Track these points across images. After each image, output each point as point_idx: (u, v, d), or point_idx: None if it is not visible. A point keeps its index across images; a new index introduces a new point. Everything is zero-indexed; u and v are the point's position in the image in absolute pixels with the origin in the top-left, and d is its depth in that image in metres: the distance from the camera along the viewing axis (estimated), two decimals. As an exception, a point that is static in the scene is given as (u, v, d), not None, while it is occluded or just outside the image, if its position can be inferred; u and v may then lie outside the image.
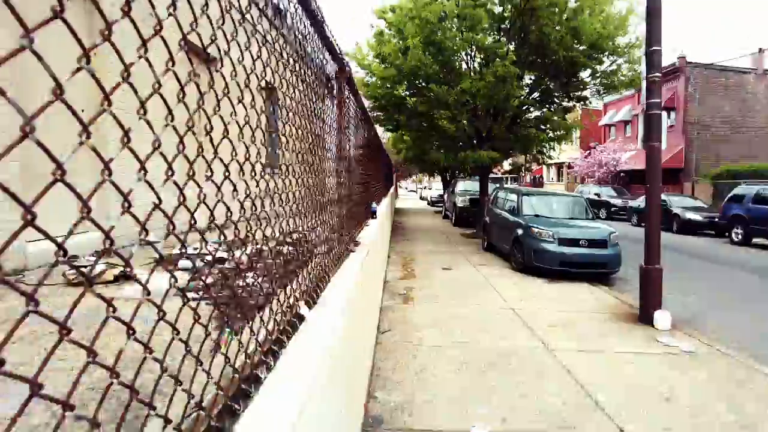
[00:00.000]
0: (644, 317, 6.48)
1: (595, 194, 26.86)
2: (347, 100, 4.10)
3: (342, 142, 3.88)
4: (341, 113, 3.72)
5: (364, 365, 4.00)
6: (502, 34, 14.41)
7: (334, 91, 3.61)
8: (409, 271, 9.92)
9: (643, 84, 6.58)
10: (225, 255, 4.63)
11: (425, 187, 49.17)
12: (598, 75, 14.62)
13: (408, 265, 10.60)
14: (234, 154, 1.39)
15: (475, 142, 15.05)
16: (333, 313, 2.21)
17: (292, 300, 2.13)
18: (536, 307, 7.23)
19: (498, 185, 16.50)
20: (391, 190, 20.31)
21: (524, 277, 9.62)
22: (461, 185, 20.78)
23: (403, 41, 13.82)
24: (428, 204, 36.74)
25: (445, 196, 24.84)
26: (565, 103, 15.96)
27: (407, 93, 15.07)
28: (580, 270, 9.36)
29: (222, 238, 1.37)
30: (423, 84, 14.23)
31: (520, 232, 10.26)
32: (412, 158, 21.68)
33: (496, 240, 12.13)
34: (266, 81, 1.69)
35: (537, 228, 9.82)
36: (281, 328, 1.84)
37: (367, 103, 16.08)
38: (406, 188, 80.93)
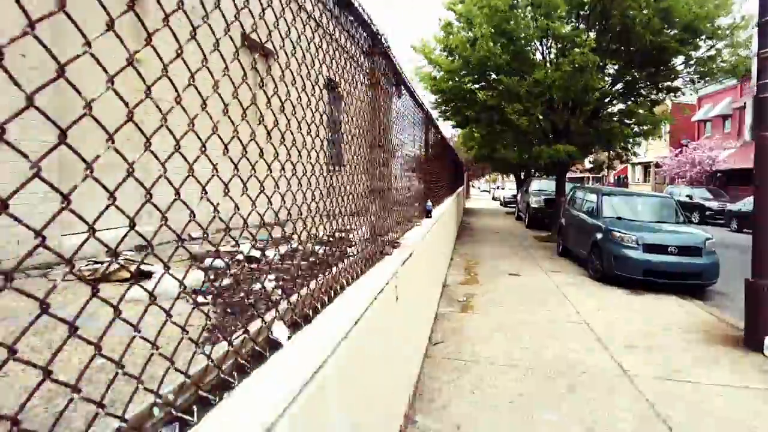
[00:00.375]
0: (751, 341, 5.41)
1: (687, 196, 24.39)
2: (386, 83, 3.60)
3: (380, 130, 3.38)
4: (376, 97, 3.22)
5: (399, 383, 3.48)
6: (580, 20, 13.27)
7: (366, 70, 3.11)
8: (472, 275, 9.24)
9: (754, 63, 5.51)
10: (257, 254, 4.29)
11: (498, 187, 47.55)
12: (692, 62, 13.04)
13: (471, 268, 9.91)
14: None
15: (550, 137, 13.99)
16: (322, 339, 1.71)
17: (269, 318, 1.66)
18: (614, 322, 6.34)
19: (575, 185, 15.22)
20: (460, 189, 19.54)
21: (602, 286, 8.62)
22: (536, 184, 19.58)
23: (471, 32, 13.09)
24: (501, 204, 35.38)
25: (519, 196, 23.63)
26: (653, 96, 14.42)
27: (476, 86, 14.29)
28: (669, 281, 8.21)
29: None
30: (492, 76, 13.40)
31: (599, 236, 9.24)
32: (481, 156, 20.74)
33: (573, 244, 11.10)
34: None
35: (618, 232, 8.78)
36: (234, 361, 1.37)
37: (433, 97, 15.53)
38: (479, 188, 79.09)
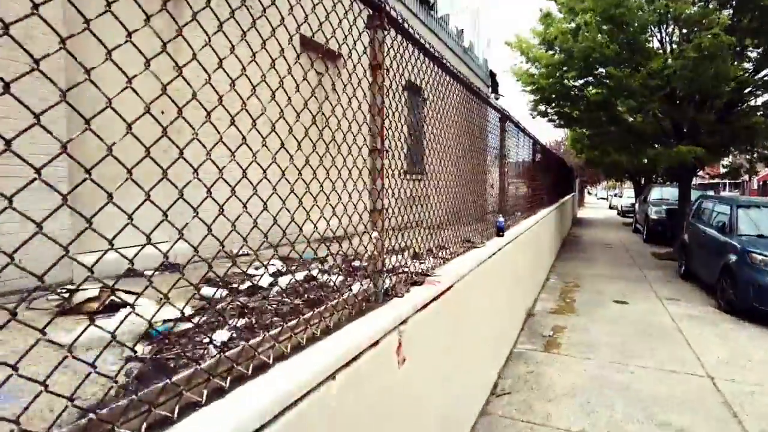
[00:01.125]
0: None
1: None
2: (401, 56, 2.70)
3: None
4: (375, 81, 2.35)
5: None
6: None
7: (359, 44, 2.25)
8: (567, 302, 7.85)
9: None
10: (266, 282, 3.59)
11: (616, 195, 43.34)
12: None
13: (568, 293, 8.48)
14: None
15: (671, 137, 11.88)
16: None
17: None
18: (756, 383, 4.74)
19: (703, 193, 12.77)
20: (567, 198, 17.64)
21: (736, 323, 6.78)
22: (656, 192, 17.05)
23: (574, 21, 11.54)
24: (618, 214, 31.99)
25: (636, 205, 20.91)
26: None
27: (580, 82, 12.63)
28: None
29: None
30: (599, 69, 11.68)
31: (732, 258, 7.36)
32: (590, 160, 18.57)
33: (698, 266, 9.14)
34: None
35: (759, 254, 6.90)
36: None
37: (531, 96, 14.08)
38: (596, 195, 73.40)
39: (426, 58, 3.13)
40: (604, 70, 11.56)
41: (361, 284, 2.45)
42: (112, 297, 3.11)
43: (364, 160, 2.39)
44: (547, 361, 5.18)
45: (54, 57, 0.96)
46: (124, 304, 3.06)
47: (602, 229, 21.03)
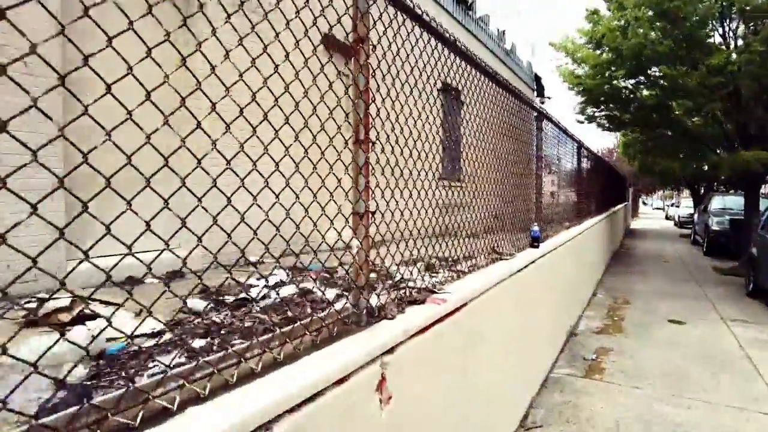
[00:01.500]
0: None
1: None
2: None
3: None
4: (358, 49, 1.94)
5: None
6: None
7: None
8: (615, 320, 7.11)
9: None
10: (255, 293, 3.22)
11: (673, 204, 40.93)
12: None
13: (616, 310, 7.72)
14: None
15: (734, 141, 10.83)
16: None
17: None
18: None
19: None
20: (618, 207, 16.57)
21: (818, 350, 5.89)
22: (717, 201, 15.71)
23: (623, 18, 10.76)
24: (675, 225, 30.08)
25: (695, 216, 19.43)
26: None
27: (630, 83, 11.77)
28: None
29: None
30: (650, 67, 10.82)
31: (810, 274, 6.45)
32: (642, 167, 17.38)
33: (768, 282, 8.16)
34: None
35: None
36: None
37: (578, 99, 13.29)
38: (651, 205, 69.96)
39: (438, 43, 2.69)
40: (656, 69, 10.70)
41: (348, 301, 2.03)
42: (86, 307, 2.82)
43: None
44: (588, 390, 4.56)
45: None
46: (95, 316, 2.76)
47: (657, 241, 19.67)
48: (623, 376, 4.89)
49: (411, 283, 2.62)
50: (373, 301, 2.15)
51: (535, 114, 5.28)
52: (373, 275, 2.47)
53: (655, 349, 5.76)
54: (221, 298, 3.17)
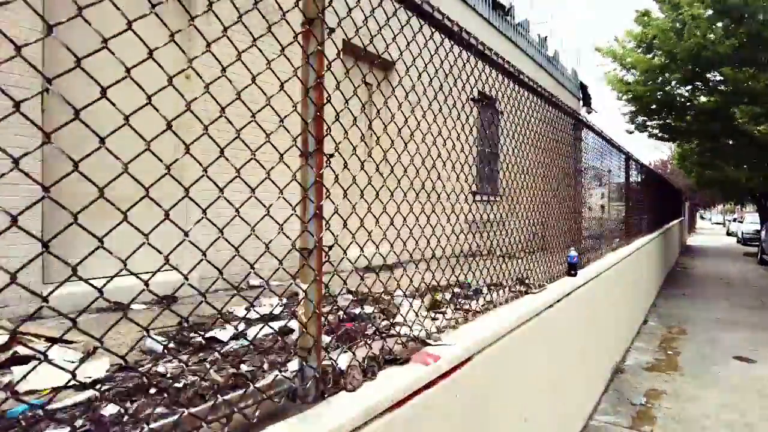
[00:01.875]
0: None
1: None
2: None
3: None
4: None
5: None
6: None
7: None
8: (669, 354, 6.27)
9: None
10: (226, 336, 2.76)
11: (735, 219, 38.24)
12: None
13: (671, 342, 6.85)
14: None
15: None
16: None
17: None
18: None
19: None
20: (673, 224, 15.35)
21: None
22: (789, 217, 14.26)
23: (678, 17, 9.86)
24: (738, 242, 27.92)
25: (763, 233, 17.79)
26: None
27: (687, 88, 10.79)
28: None
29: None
30: (709, 71, 9.84)
31: None
32: (700, 179, 16.04)
33: None
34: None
35: None
36: None
37: (628, 108, 12.38)
38: (710, 220, 66.03)
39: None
40: (717, 73, 9.72)
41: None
42: (21, 345, 2.43)
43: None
44: (636, 446, 3.86)
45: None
46: (27, 359, 2.37)
47: (718, 260, 18.11)
48: (678, 428, 4.14)
49: (401, 329, 2.09)
50: (343, 361, 1.65)
51: (573, 121, 4.64)
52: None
53: (718, 392, 4.94)
54: (186, 336, 2.73)
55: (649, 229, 10.14)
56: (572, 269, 4.12)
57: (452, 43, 2.32)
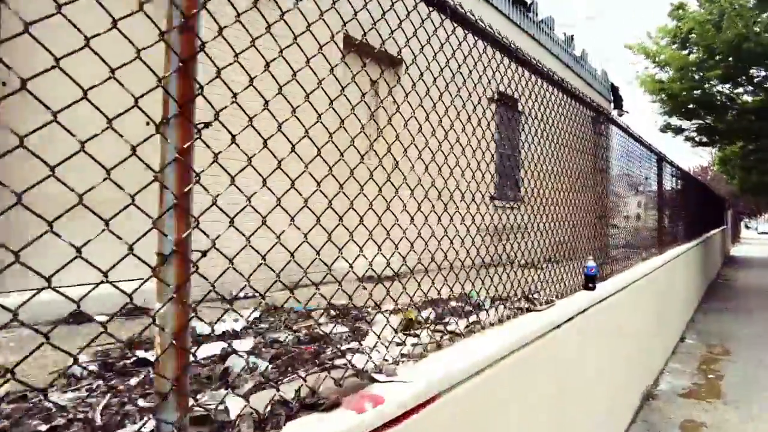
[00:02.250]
0: None
1: None
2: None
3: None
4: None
5: None
6: None
7: None
8: (709, 378, 5.56)
9: None
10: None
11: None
12: None
13: (711, 362, 6.13)
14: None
15: None
16: None
17: None
18: None
19: None
20: (714, 233, 14.35)
21: None
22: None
23: (716, 8, 9.11)
24: (787, 252, 26.22)
25: (814, 242, 16.47)
26: None
27: (727, 86, 9.98)
28: None
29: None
30: (751, 65, 9.03)
31: None
32: (745, 185, 14.96)
33: None
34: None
35: None
36: None
37: (661, 109, 11.60)
38: (755, 229, 62.89)
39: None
40: (761, 68, 8.92)
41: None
42: None
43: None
44: (667, 492, 3.26)
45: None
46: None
47: (764, 271, 16.88)
48: (720, 471, 3.52)
49: (353, 357, 1.63)
50: (235, 407, 1.21)
51: (593, 115, 4.10)
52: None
53: (766, 426, 4.26)
54: (113, 358, 2.33)
55: (686, 238, 9.36)
56: (590, 282, 3.58)
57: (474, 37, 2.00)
